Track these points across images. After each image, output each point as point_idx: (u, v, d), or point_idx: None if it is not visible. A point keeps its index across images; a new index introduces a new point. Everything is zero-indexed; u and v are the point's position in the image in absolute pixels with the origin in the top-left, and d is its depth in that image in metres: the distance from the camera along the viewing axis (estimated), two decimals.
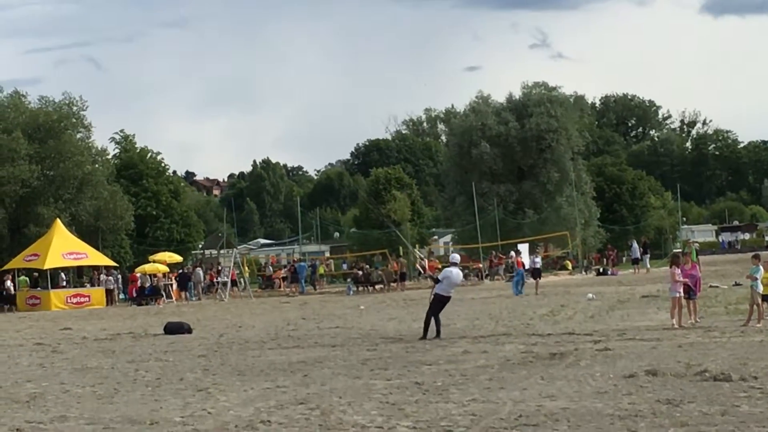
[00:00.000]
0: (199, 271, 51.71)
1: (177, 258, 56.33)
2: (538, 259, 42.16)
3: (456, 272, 22.03)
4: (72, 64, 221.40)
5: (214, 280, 51.78)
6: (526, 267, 43.88)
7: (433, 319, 21.08)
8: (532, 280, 40.06)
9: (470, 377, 14.54)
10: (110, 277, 49.20)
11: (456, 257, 23.96)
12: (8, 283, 47.38)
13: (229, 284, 50.02)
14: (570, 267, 60.38)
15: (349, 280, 51.71)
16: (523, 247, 58.81)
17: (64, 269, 49.70)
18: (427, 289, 44.30)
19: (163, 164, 68.54)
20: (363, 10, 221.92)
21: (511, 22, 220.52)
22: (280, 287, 55.52)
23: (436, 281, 21.72)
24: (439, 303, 21.27)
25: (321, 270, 60.11)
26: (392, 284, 48.78)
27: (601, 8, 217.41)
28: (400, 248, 61.55)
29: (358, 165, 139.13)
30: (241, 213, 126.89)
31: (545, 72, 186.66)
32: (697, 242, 56.99)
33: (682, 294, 21.61)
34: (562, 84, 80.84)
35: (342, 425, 11.08)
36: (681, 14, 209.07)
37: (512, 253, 57.59)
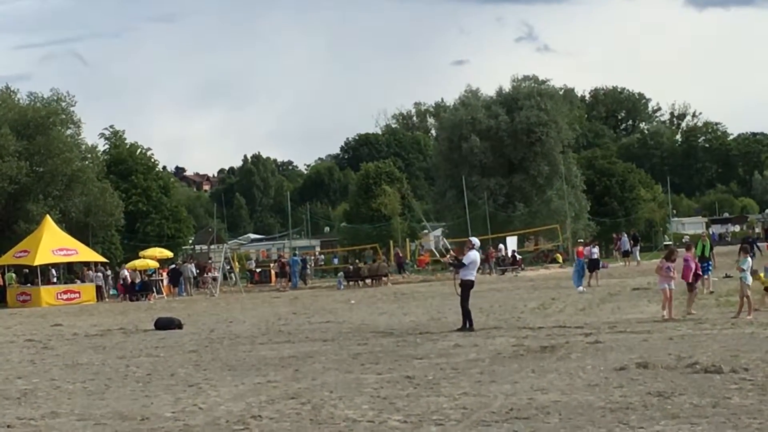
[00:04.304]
0: (188, 266, 51.53)
1: (167, 253, 56.30)
2: (596, 250, 40.55)
3: (478, 255, 22.19)
4: (59, 59, 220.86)
5: (207, 274, 51.78)
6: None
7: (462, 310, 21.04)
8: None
9: (461, 371, 14.54)
10: (99, 273, 49.04)
11: (476, 241, 22.83)
12: None
13: (219, 279, 49.96)
14: (560, 260, 60.42)
15: (339, 274, 51.73)
16: (512, 240, 58.82)
17: (55, 265, 49.57)
18: (417, 284, 44.15)
19: (152, 160, 68.30)
20: (351, 5, 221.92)
21: (496, 16, 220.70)
22: (271, 281, 55.39)
23: (461, 265, 21.49)
24: (468, 288, 21.12)
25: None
26: (383, 279, 48.75)
27: (587, 0, 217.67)
28: (391, 242, 61.53)
29: (348, 159, 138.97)
30: (231, 208, 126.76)
31: (532, 65, 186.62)
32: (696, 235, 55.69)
33: (682, 285, 21.66)
34: (550, 77, 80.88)
35: (333, 420, 11.08)
36: (666, 6, 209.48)
37: (501, 245, 57.68)
